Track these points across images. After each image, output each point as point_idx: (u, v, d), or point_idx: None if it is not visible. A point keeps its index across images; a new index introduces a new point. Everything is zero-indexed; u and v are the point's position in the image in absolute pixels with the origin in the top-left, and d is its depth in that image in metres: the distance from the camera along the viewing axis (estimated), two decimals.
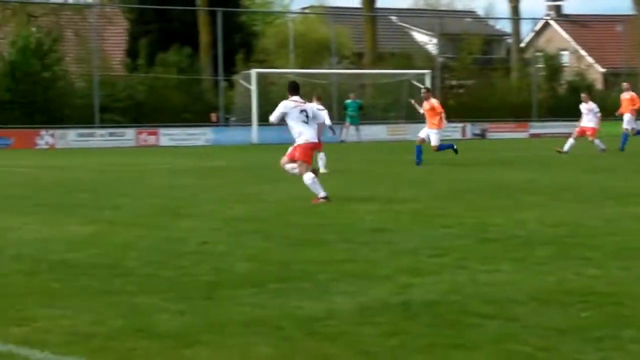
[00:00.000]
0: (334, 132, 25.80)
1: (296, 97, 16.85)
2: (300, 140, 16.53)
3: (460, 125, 53.45)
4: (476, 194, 17.27)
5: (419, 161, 25.90)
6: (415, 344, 6.65)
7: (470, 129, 53.66)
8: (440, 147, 26.51)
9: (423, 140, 26.29)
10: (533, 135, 53.50)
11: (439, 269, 9.38)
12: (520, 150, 35.75)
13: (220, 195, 17.52)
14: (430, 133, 26.63)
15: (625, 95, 35.14)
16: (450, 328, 7.04)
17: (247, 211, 14.78)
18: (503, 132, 53.56)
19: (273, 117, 16.73)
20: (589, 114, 31.95)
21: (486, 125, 53.37)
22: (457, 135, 52.08)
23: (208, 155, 33.44)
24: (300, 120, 16.60)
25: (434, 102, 26.81)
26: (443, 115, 26.50)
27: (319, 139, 18.21)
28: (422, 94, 27.61)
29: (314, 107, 18.10)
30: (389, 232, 12.15)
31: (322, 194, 15.98)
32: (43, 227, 12.96)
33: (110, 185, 20.23)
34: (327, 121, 23.88)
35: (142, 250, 10.80)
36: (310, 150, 16.79)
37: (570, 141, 31.25)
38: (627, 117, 34.05)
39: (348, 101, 47.46)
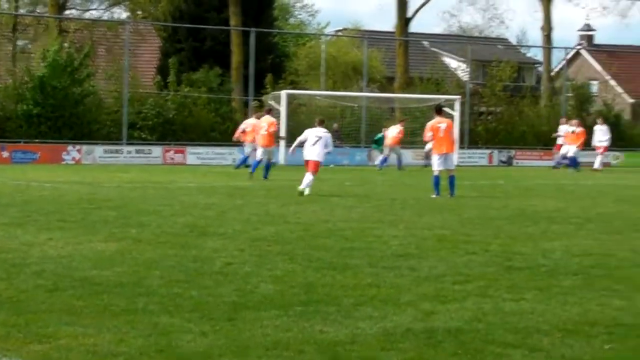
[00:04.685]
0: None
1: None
2: None
3: (487, 151, 53.37)
4: (502, 221, 17.20)
5: None
6: None
7: (497, 155, 53.53)
8: None
9: None
10: (560, 164, 53.19)
11: (463, 296, 9.34)
12: (547, 179, 35.61)
13: (246, 216, 17.52)
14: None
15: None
16: (474, 356, 7.00)
17: (272, 232, 14.77)
18: (530, 160, 53.32)
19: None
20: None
21: (513, 152, 53.20)
22: (484, 162, 52.00)
23: (235, 175, 33.46)
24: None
25: None
26: None
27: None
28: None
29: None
30: (413, 257, 12.11)
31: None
32: (68, 243, 12.97)
33: (136, 203, 20.25)
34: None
35: (166, 269, 10.80)
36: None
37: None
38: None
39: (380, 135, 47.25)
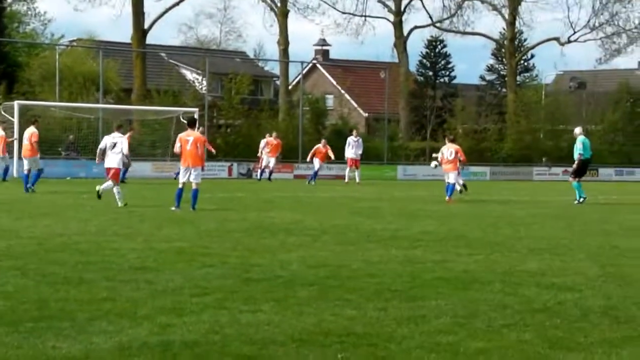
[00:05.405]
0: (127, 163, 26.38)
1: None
2: None
3: (226, 164, 53.71)
4: (241, 234, 17.32)
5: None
6: None
7: (237, 168, 53.99)
8: None
9: None
10: (298, 177, 54.24)
11: (201, 309, 9.32)
12: (285, 191, 36.17)
13: None
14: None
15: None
16: None
17: (3, 247, 14.28)
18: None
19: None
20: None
21: (252, 165, 53.77)
22: (224, 174, 52.29)
23: None
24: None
25: None
26: None
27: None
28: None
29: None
30: (151, 270, 12.00)
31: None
32: None
33: None
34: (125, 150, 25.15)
35: None
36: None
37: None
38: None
39: None
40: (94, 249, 14.23)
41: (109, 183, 24.56)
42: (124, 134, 25.06)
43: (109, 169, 24.70)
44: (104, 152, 24.75)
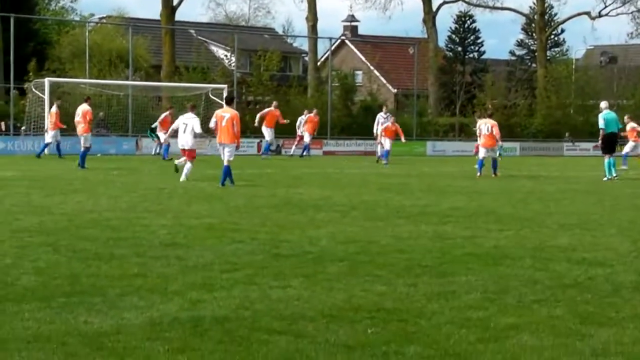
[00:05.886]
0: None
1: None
2: None
3: (255, 140, 53.68)
4: (270, 210, 17.34)
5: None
6: None
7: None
8: None
9: None
10: (327, 153, 54.19)
11: (231, 285, 9.35)
12: (314, 167, 36.15)
13: (7, 207, 16.98)
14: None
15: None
16: (240, 344, 7.02)
17: (35, 223, 14.37)
18: (299, 149, 54.02)
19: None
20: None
21: (281, 141, 53.72)
22: (253, 151, 52.28)
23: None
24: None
25: None
26: None
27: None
28: None
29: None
30: (181, 246, 12.05)
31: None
32: None
33: None
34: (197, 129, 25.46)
35: None
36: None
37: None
38: None
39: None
40: (125, 225, 14.30)
41: (188, 165, 25.08)
42: (197, 114, 25.68)
43: (183, 150, 25.35)
44: (176, 132, 25.72)
